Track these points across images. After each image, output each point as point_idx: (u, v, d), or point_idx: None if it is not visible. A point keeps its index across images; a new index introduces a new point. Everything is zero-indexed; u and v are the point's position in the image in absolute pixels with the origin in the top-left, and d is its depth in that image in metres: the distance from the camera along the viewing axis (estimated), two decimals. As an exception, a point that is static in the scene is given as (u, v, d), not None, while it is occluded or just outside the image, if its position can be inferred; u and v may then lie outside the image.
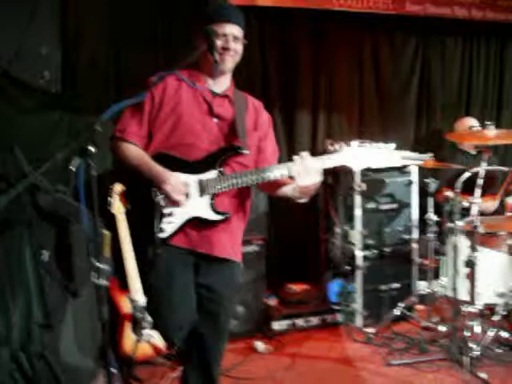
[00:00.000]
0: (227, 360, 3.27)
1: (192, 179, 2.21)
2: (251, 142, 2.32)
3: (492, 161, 4.09)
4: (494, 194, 3.95)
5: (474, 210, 3.28)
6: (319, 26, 4.52)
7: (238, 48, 2.27)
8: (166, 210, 2.21)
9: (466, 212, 3.47)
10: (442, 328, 3.52)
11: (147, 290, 2.57)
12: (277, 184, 2.29)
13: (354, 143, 3.77)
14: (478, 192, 3.29)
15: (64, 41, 3.73)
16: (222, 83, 2.34)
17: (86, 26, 3.90)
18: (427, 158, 3.65)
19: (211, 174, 2.22)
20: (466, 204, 3.41)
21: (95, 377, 2.97)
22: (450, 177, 3.92)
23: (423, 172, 3.92)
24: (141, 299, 3.20)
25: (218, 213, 2.23)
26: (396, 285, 3.97)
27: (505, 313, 3.35)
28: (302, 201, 2.31)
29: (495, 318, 3.34)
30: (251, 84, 4.17)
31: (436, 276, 3.85)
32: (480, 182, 3.30)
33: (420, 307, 3.97)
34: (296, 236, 4.43)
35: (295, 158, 2.17)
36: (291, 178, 2.21)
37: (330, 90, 4.65)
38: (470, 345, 3.13)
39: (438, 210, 3.77)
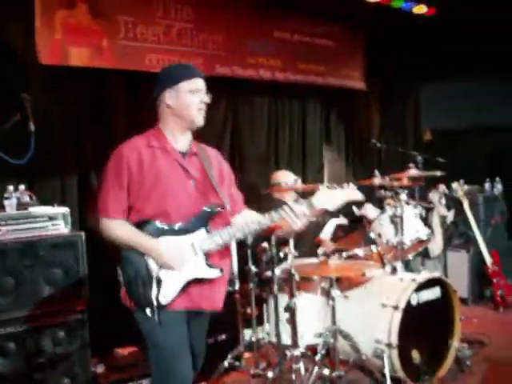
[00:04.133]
0: None
1: (183, 242, 2.28)
2: (223, 193, 2.41)
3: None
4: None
5: (290, 260, 3.51)
6: (134, 85, 4.57)
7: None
8: (162, 276, 2.26)
9: (282, 260, 3.70)
10: (270, 374, 3.66)
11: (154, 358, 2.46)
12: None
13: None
14: (291, 242, 3.52)
15: None
16: (186, 140, 2.41)
17: None
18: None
19: (201, 234, 2.30)
20: (282, 254, 3.63)
21: None
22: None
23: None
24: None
25: (213, 268, 2.33)
26: (223, 336, 4.04)
27: (324, 351, 3.60)
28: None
29: (317, 357, 3.54)
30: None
31: (260, 323, 4.00)
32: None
33: (248, 355, 4.05)
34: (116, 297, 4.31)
35: (285, 207, 2.33)
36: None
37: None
38: (298, 386, 3.31)
39: (256, 261, 3.95)
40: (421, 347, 3.48)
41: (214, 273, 2.34)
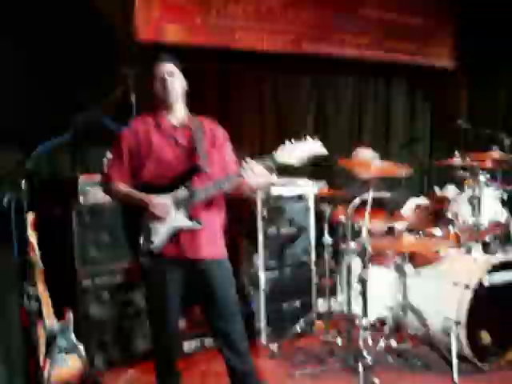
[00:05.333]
0: (141, 380, 3.47)
1: (168, 198, 2.64)
2: (213, 158, 2.75)
3: (379, 187, 4.51)
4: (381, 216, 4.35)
5: (364, 232, 3.64)
6: (223, 61, 4.80)
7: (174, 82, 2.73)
8: (152, 225, 2.66)
9: (358, 234, 3.83)
10: (339, 340, 3.83)
11: (146, 295, 2.95)
12: (240, 188, 2.66)
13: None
14: (367, 216, 3.64)
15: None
16: (177, 115, 2.79)
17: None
18: (322, 185, 4.02)
19: (181, 191, 2.64)
20: (357, 226, 3.77)
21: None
22: (343, 202, 4.28)
23: (318, 199, 4.27)
24: (53, 325, 3.27)
25: (192, 221, 2.65)
26: (296, 303, 4.24)
27: (392, 324, 3.72)
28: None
29: (385, 329, 3.68)
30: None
31: (333, 294, 4.17)
32: (369, 207, 3.66)
33: (319, 323, 4.23)
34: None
35: (243, 164, 2.57)
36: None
37: (230, 123, 4.88)
38: (364, 354, 3.43)
39: (332, 233, 4.11)
40: (490, 328, 3.51)
41: (193, 224, 2.66)
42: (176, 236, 2.68)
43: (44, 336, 3.25)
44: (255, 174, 2.56)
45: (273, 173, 2.61)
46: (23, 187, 1.86)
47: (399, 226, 3.97)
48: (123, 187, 2.77)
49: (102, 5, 4.17)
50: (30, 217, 3.18)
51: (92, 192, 3.62)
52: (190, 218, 2.67)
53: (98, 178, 3.62)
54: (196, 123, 2.81)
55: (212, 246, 2.76)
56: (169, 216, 2.65)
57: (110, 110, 2.32)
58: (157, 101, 2.76)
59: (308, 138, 2.61)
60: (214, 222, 2.79)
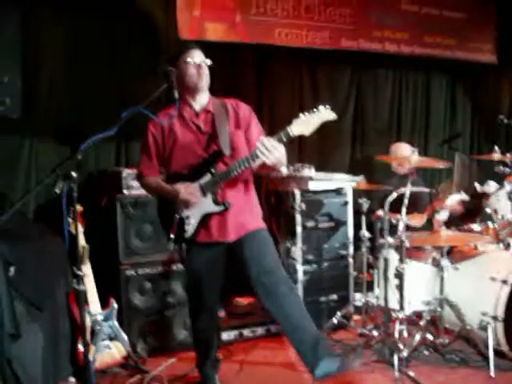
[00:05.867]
0: (180, 368, 3.55)
1: (194, 185, 2.76)
2: (238, 139, 2.83)
3: (417, 182, 4.51)
4: (420, 211, 4.37)
5: (401, 227, 3.66)
6: (263, 59, 4.89)
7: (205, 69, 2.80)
8: (184, 215, 2.80)
9: (395, 229, 3.86)
10: (375, 333, 3.86)
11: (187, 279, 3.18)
12: (266, 166, 2.66)
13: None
14: (404, 210, 3.66)
15: (24, 68, 3.89)
16: (200, 102, 2.84)
17: (44, 55, 4.12)
18: (360, 180, 4.06)
19: (206, 177, 2.75)
20: (394, 221, 3.79)
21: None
22: (381, 197, 4.31)
23: (357, 193, 4.30)
24: (98, 311, 3.42)
25: (219, 204, 2.76)
26: (334, 296, 4.28)
27: (429, 318, 3.73)
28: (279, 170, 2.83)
29: (422, 323, 3.68)
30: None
31: (370, 288, 4.20)
32: (406, 201, 3.68)
33: (356, 316, 4.27)
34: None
35: (257, 143, 2.58)
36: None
37: (271, 119, 4.96)
38: (400, 347, 3.46)
39: (370, 228, 4.14)
40: (528, 324, 3.50)
41: (220, 208, 2.75)
42: (206, 221, 2.79)
43: (89, 322, 3.41)
44: (270, 152, 2.55)
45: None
46: (74, 178, 2.00)
47: (440, 216, 3.94)
48: (153, 181, 2.90)
49: (147, 5, 4.31)
50: (78, 208, 3.36)
51: (135, 185, 3.75)
52: (217, 201, 2.76)
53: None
54: (218, 106, 2.86)
55: (242, 224, 2.83)
56: (197, 203, 2.75)
57: (155, 106, 2.43)
58: (184, 87, 2.78)
59: (319, 107, 2.61)
60: (242, 200, 2.86)
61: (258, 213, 2.99)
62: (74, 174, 2.00)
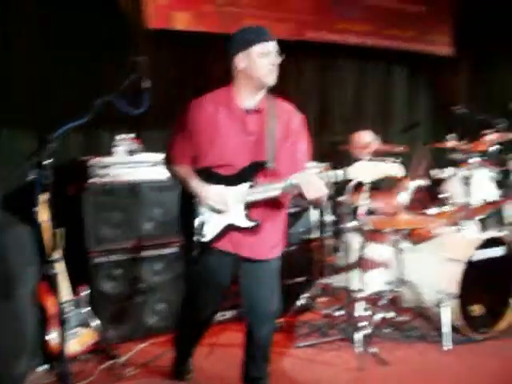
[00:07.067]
0: (150, 352, 3.61)
1: (228, 192, 2.52)
2: (282, 151, 2.55)
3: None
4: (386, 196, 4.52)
5: (362, 211, 3.82)
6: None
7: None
8: (206, 218, 2.59)
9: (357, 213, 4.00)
10: (338, 313, 4.02)
11: (188, 280, 3.00)
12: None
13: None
14: (366, 194, 3.81)
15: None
16: (255, 98, 2.55)
17: (15, 42, 4.09)
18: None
19: (244, 187, 2.52)
20: (357, 206, 3.94)
21: (24, 378, 3.18)
22: (344, 183, 4.45)
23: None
24: (69, 299, 3.46)
25: (250, 220, 2.53)
26: (300, 279, 4.41)
27: (390, 298, 3.92)
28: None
29: (383, 302, 3.89)
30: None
31: (334, 270, 4.34)
32: (367, 186, 3.82)
33: (321, 298, 4.38)
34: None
35: (301, 175, 2.40)
36: None
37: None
38: (362, 326, 3.63)
39: (334, 212, 4.27)
40: (481, 300, 3.71)
41: (249, 224, 2.53)
42: (229, 231, 2.57)
43: (60, 310, 3.45)
44: (312, 187, 2.37)
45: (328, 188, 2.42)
46: (47, 167, 2.03)
47: (401, 199, 4.11)
48: (184, 170, 2.64)
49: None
50: (43, 197, 3.39)
51: (103, 173, 3.77)
52: (248, 216, 2.54)
53: (108, 159, 3.84)
54: (271, 107, 2.56)
55: (265, 246, 2.63)
56: (226, 210, 2.53)
57: (125, 95, 2.43)
58: (247, 79, 2.51)
59: (388, 159, 2.47)
60: (272, 222, 2.63)
61: (282, 239, 2.76)
62: (47, 162, 2.02)
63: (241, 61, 2.50)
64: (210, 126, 2.54)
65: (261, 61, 2.45)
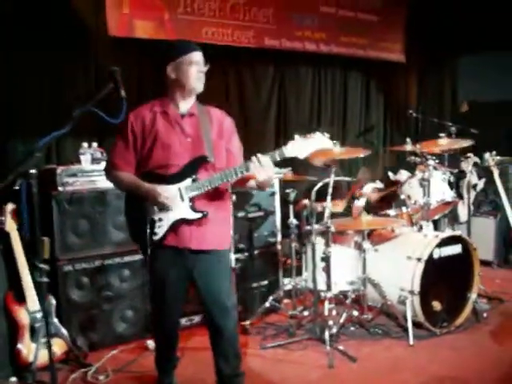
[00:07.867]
0: (121, 359, 3.63)
1: (172, 188, 2.68)
2: (219, 149, 2.79)
3: (338, 173, 4.81)
4: (340, 199, 4.66)
5: (327, 214, 3.93)
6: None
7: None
8: (156, 217, 2.72)
9: (320, 216, 4.12)
10: (306, 313, 4.13)
11: (149, 283, 3.05)
12: (243, 180, 2.74)
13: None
14: (329, 198, 3.92)
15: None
16: (187, 104, 2.79)
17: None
18: (287, 172, 4.33)
19: (187, 182, 2.69)
20: (319, 209, 4.06)
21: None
22: (306, 187, 4.57)
23: (283, 184, 4.54)
24: (37, 309, 3.43)
25: (197, 212, 2.69)
26: (265, 282, 4.49)
27: (354, 297, 4.06)
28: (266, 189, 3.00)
29: (348, 301, 4.02)
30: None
31: (298, 272, 4.44)
32: (330, 190, 3.95)
33: (286, 300, 4.49)
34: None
35: (252, 158, 2.59)
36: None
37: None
38: (329, 325, 3.75)
39: (297, 216, 4.39)
40: (441, 296, 3.89)
41: (197, 216, 2.69)
42: (178, 226, 2.70)
43: (28, 321, 3.42)
44: (263, 169, 2.56)
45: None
46: (33, 176, 2.08)
47: (359, 203, 4.27)
48: (128, 176, 2.79)
49: (77, 1, 4.33)
50: (9, 207, 3.39)
51: (70, 181, 3.76)
52: (194, 209, 2.69)
53: (75, 168, 3.84)
54: (203, 112, 2.81)
55: (213, 237, 2.77)
56: (173, 206, 2.67)
57: (102, 105, 2.46)
58: (178, 86, 2.73)
59: (317, 132, 2.63)
60: (218, 213, 2.78)
61: (229, 229, 2.99)
62: (32, 171, 2.06)
63: (172, 71, 2.73)
64: (151, 131, 2.74)
65: (189, 69, 2.70)
